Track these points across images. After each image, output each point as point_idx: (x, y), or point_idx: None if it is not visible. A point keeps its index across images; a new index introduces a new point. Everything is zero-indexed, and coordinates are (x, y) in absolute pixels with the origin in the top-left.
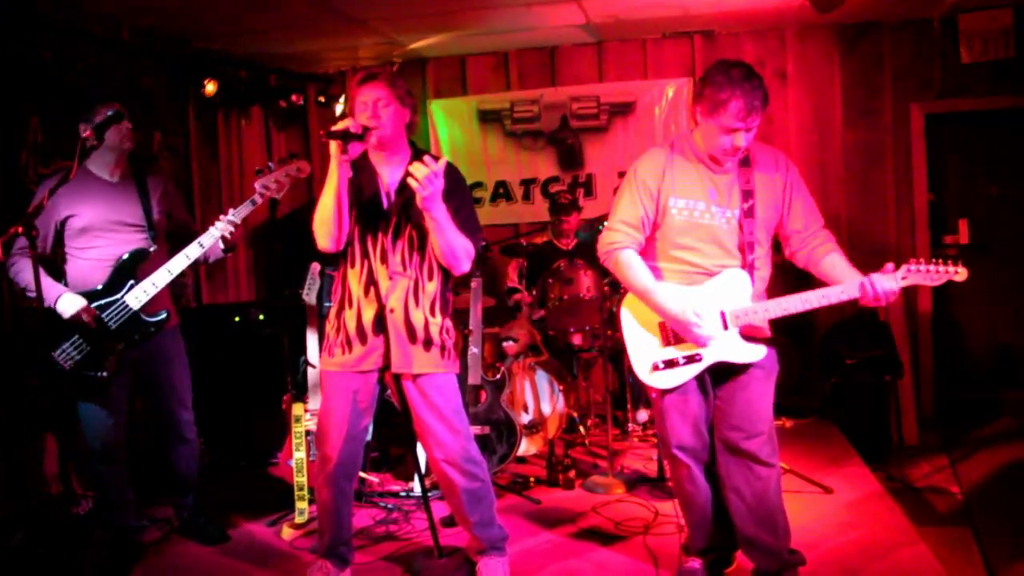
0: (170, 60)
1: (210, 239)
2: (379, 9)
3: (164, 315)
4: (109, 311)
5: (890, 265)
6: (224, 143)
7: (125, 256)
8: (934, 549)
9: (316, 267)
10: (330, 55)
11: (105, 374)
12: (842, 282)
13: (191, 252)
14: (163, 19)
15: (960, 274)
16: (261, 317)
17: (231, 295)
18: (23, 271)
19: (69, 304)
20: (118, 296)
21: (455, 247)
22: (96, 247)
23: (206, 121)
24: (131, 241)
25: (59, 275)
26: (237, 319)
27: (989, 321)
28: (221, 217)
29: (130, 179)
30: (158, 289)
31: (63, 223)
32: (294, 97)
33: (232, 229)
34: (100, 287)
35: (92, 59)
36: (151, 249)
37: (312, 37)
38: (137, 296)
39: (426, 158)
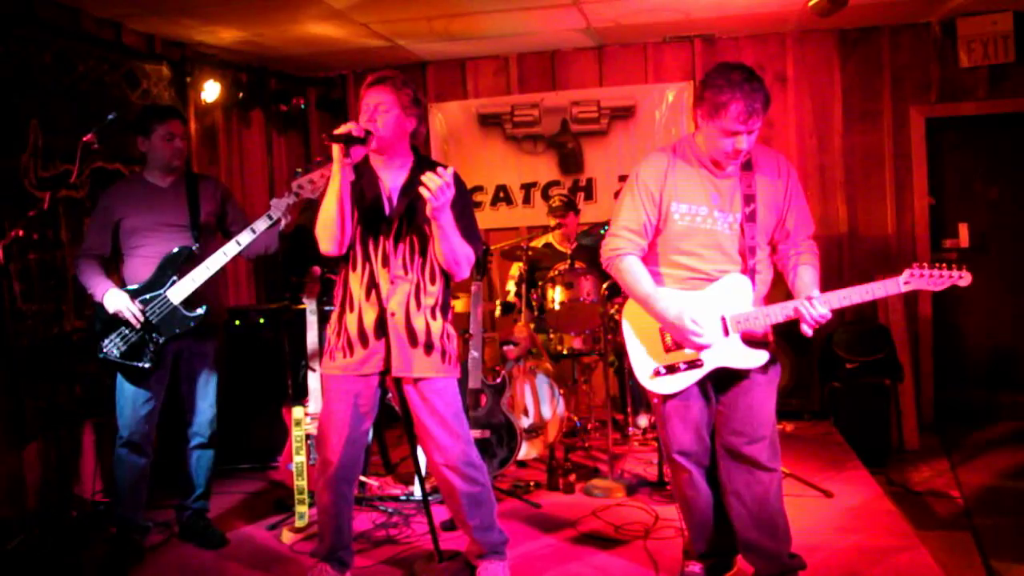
0: (170, 63)
1: (248, 237)
2: (380, 12)
3: (203, 310)
4: (151, 305)
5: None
6: (224, 146)
7: (170, 253)
8: (934, 553)
9: (317, 270)
10: (331, 59)
11: (148, 365)
12: (799, 294)
13: (229, 250)
14: (163, 22)
15: (964, 278)
16: (261, 320)
17: (231, 298)
18: (82, 271)
19: (113, 299)
20: (160, 291)
21: (458, 254)
22: (144, 245)
23: (206, 124)
24: (176, 240)
25: (119, 272)
26: (237, 322)
27: (989, 324)
28: (272, 210)
29: (181, 185)
30: (197, 284)
31: (117, 225)
32: (295, 101)
33: (270, 225)
34: (144, 282)
35: (92, 62)
36: (194, 247)
37: (313, 41)
38: (178, 291)
39: (439, 169)
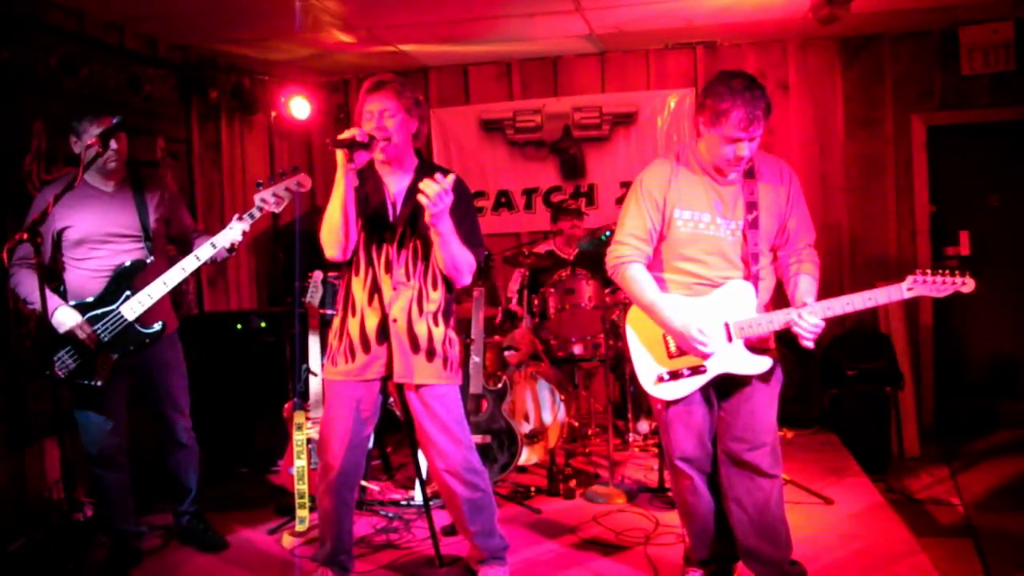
0: (173, 66)
1: (208, 251)
2: (382, 18)
3: (159, 326)
4: (104, 322)
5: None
6: (227, 150)
7: (122, 267)
8: (935, 561)
9: (319, 275)
10: (334, 64)
11: (99, 383)
12: (796, 302)
13: (188, 265)
14: (166, 26)
15: (967, 285)
16: (263, 324)
17: (232, 302)
18: (23, 282)
19: (65, 318)
20: (113, 307)
21: (459, 261)
22: (93, 258)
23: (209, 127)
24: (127, 252)
25: (60, 283)
26: (239, 326)
27: (990, 332)
28: (233, 224)
29: (127, 188)
30: (154, 300)
31: (59, 234)
32: (296, 105)
33: (235, 241)
34: (95, 298)
35: (96, 65)
36: (148, 260)
37: (315, 45)
38: (132, 307)
39: (437, 175)
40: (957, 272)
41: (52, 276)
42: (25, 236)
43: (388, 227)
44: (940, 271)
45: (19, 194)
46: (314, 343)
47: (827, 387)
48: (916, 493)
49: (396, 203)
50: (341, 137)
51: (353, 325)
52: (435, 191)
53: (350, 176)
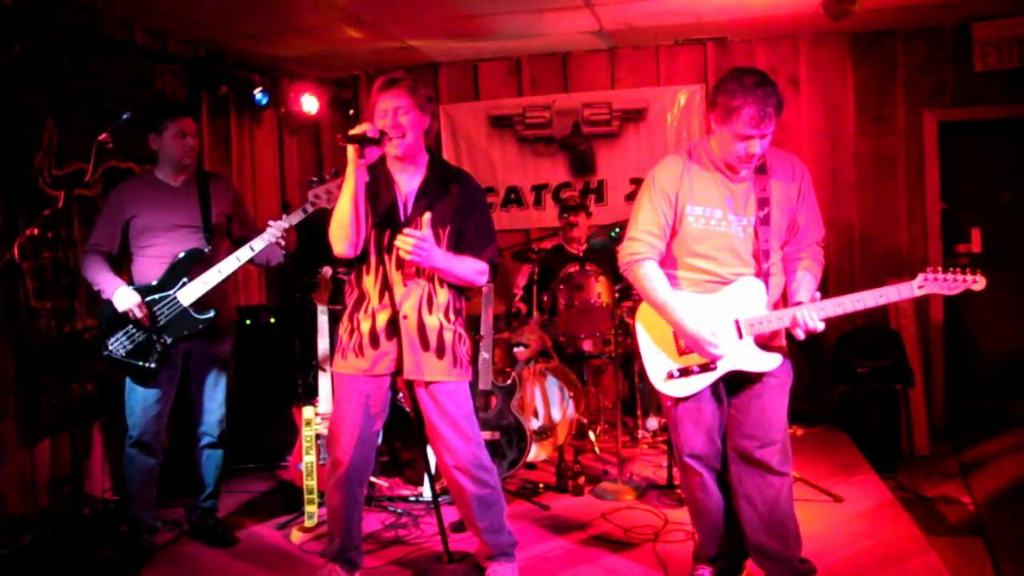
0: (183, 63)
1: (261, 243)
2: (392, 14)
3: (212, 314)
4: (160, 305)
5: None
6: (236, 146)
7: (181, 255)
8: (945, 559)
9: (328, 271)
10: (343, 60)
11: (152, 365)
12: (790, 298)
13: (242, 255)
14: (177, 22)
15: (978, 283)
16: (272, 320)
17: (242, 298)
18: (89, 266)
19: (123, 298)
20: (170, 292)
21: (466, 276)
22: (155, 245)
23: (218, 124)
24: (187, 241)
25: (127, 270)
26: (248, 322)
27: (1001, 330)
28: (272, 223)
29: (193, 184)
30: (208, 287)
31: (128, 223)
32: (306, 101)
33: (282, 234)
34: (154, 283)
35: (107, 61)
36: (206, 249)
37: (325, 41)
38: (188, 293)
39: (407, 230)
40: (968, 270)
41: (120, 263)
42: (36, 231)
43: (399, 225)
44: (951, 269)
45: (30, 190)
46: (323, 320)
47: (837, 384)
48: (926, 491)
49: (407, 202)
50: (352, 132)
51: (363, 321)
52: (411, 244)
53: (360, 171)
